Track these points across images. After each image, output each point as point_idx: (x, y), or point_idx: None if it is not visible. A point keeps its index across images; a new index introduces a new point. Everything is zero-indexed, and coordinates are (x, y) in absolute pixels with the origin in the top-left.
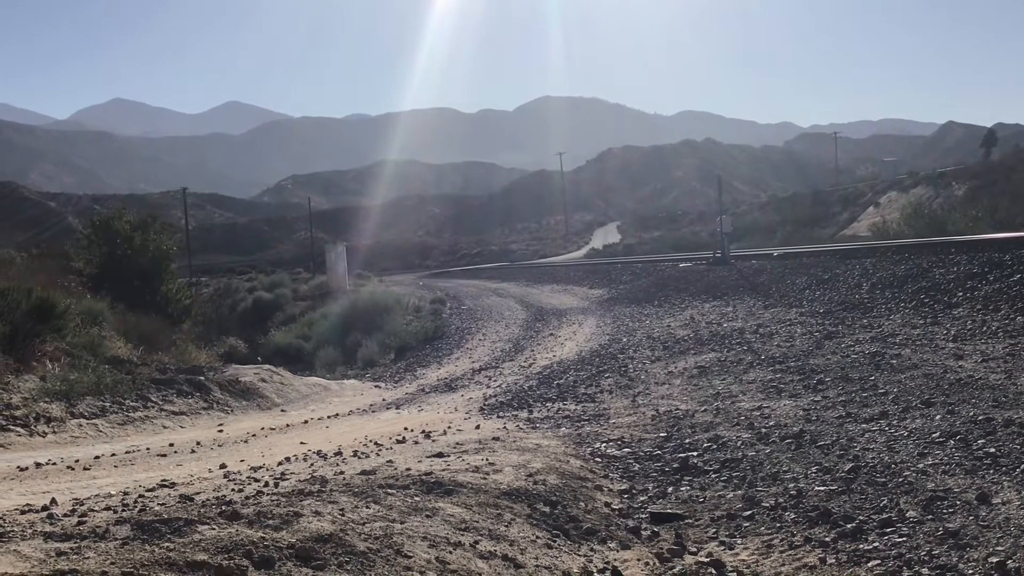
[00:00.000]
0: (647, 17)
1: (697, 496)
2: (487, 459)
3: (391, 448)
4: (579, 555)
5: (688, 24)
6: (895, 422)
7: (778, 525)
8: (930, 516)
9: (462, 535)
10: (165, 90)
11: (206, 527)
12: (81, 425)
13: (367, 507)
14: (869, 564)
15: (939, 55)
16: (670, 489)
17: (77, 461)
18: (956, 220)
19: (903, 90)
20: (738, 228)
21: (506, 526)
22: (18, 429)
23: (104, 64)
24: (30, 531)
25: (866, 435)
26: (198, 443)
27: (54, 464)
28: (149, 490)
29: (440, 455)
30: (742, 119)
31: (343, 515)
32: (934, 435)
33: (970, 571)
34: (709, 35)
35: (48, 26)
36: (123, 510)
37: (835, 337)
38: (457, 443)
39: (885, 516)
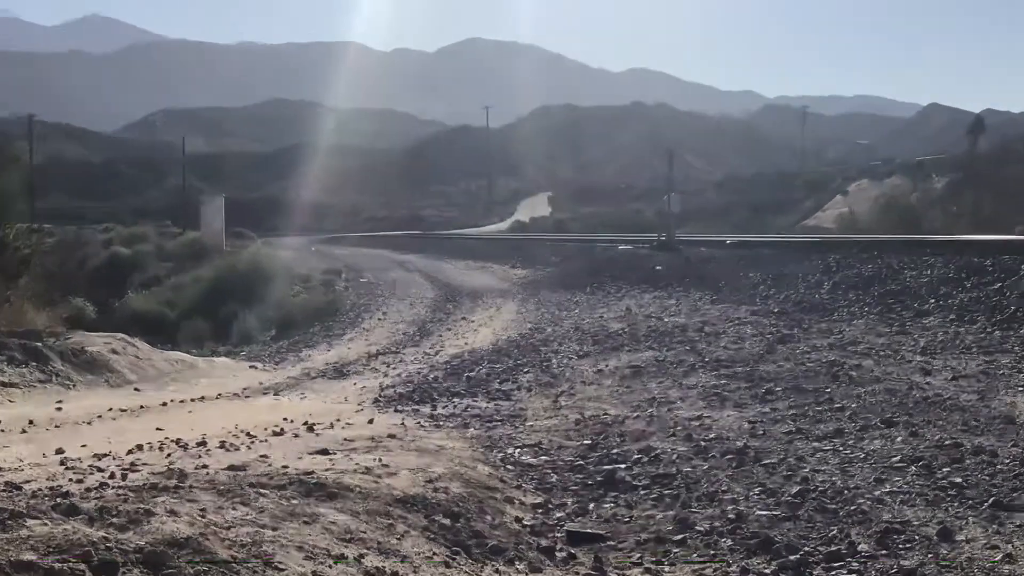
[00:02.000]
0: None
1: (623, 515)
2: (380, 460)
3: (266, 441)
4: None
5: None
6: (851, 442)
7: (712, 552)
8: (884, 551)
9: (346, 547)
10: None
11: (36, 522)
12: None
13: (234, 509)
14: None
15: (925, 29)
16: (592, 505)
17: None
18: (934, 217)
19: (883, 64)
20: (688, 209)
21: (398, 539)
22: None
23: None
24: None
25: (817, 455)
26: (31, 422)
27: None
28: None
29: (325, 452)
30: (700, 83)
31: (204, 516)
32: (894, 459)
33: None
34: None
35: None
36: None
37: (789, 341)
38: (345, 439)
39: (834, 548)
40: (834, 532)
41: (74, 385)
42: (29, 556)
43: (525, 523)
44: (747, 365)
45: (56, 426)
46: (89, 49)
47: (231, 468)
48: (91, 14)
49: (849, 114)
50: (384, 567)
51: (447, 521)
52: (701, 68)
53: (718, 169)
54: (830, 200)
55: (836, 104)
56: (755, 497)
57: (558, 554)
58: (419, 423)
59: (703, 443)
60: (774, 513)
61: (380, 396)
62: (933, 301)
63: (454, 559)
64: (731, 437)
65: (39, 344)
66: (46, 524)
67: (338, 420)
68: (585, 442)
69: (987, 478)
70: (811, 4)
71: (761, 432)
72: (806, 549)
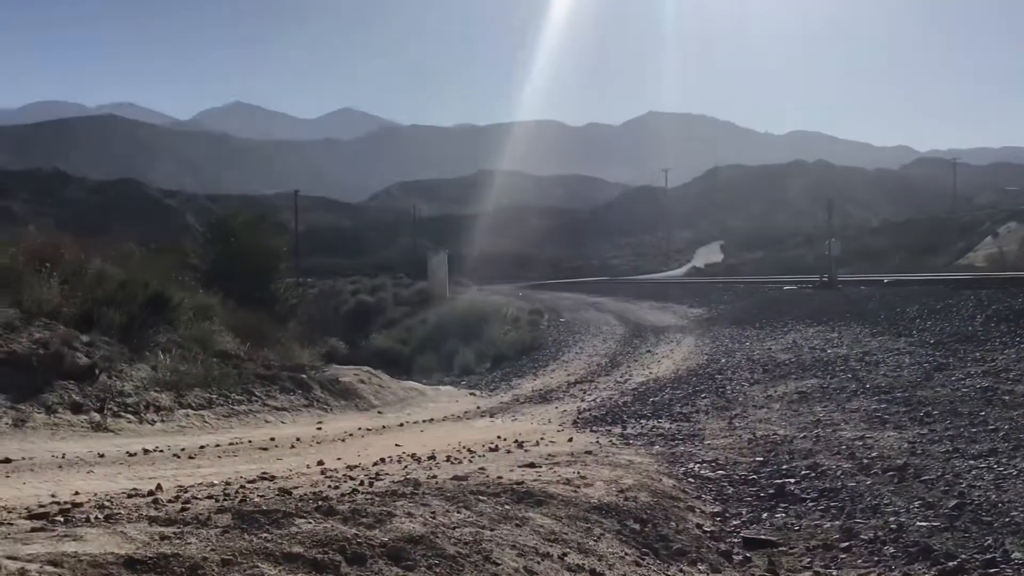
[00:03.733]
0: (760, 34)
1: (792, 524)
2: (579, 472)
3: (484, 455)
4: (668, 575)
5: (803, 41)
6: (1004, 460)
7: (876, 559)
8: None
9: (551, 546)
10: (282, 95)
11: (303, 521)
12: (188, 415)
13: (458, 512)
14: None
15: None
16: (764, 515)
17: (183, 450)
18: None
19: None
20: (847, 253)
21: (595, 540)
22: (129, 416)
23: (226, 67)
24: (136, 514)
25: (973, 472)
26: (298, 439)
27: (161, 451)
28: (250, 481)
29: (532, 465)
30: (856, 140)
31: (434, 518)
32: None
33: None
34: (825, 53)
35: (172, 28)
36: (224, 499)
37: (945, 369)
38: (549, 454)
39: (989, 556)
40: (989, 542)
41: (331, 409)
42: (297, 549)
43: (705, 529)
44: (906, 391)
45: (317, 443)
46: (340, 135)
47: (455, 478)
48: (343, 107)
49: (997, 163)
50: (583, 564)
51: (637, 526)
52: (857, 127)
53: (874, 216)
54: (980, 242)
55: (984, 155)
56: (915, 509)
57: (735, 557)
58: (611, 441)
59: (865, 460)
60: (933, 524)
61: (578, 418)
62: None
63: (643, 559)
64: (892, 455)
65: (304, 375)
66: (310, 523)
67: (543, 438)
68: (757, 459)
69: None
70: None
71: (920, 451)
72: (963, 557)
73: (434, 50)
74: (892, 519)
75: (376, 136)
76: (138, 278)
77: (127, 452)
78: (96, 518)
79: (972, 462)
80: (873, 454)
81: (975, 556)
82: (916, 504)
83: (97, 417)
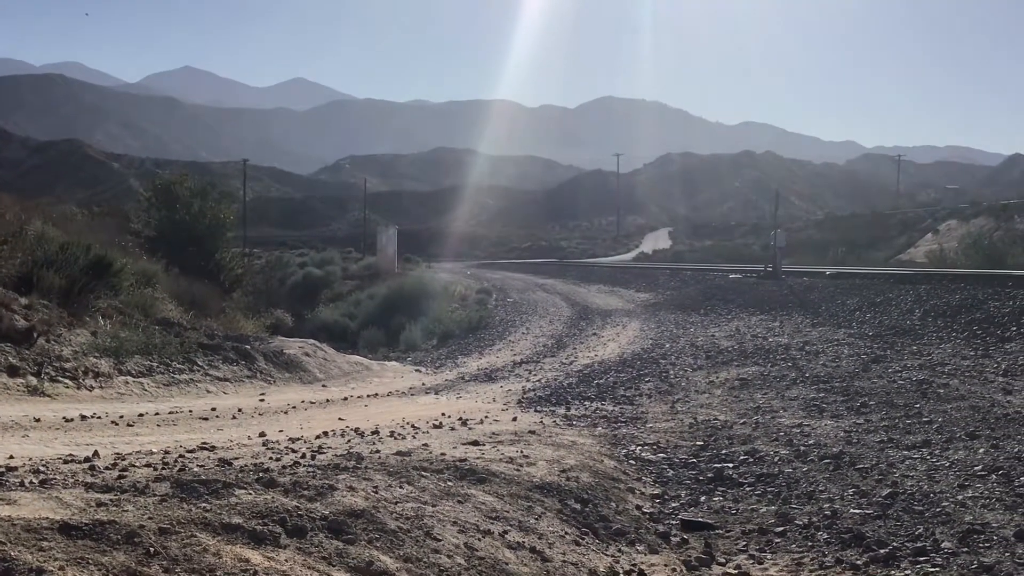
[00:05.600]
0: (717, 25)
1: (730, 508)
2: (522, 451)
3: (427, 432)
4: (607, 555)
5: (757, 36)
6: (937, 451)
7: (810, 544)
8: (965, 549)
9: (492, 523)
10: (234, 62)
11: (243, 491)
12: (128, 382)
13: (400, 487)
14: None
15: (1013, 85)
16: (703, 498)
17: (121, 417)
18: (1016, 254)
19: (971, 118)
20: (792, 244)
21: (536, 519)
22: (66, 381)
23: (177, 31)
24: (72, 480)
25: (906, 462)
26: (240, 410)
27: (99, 418)
28: (189, 451)
29: (475, 443)
30: (805, 134)
31: (376, 492)
32: (976, 468)
33: None
34: (777, 46)
35: None
36: (163, 468)
37: (882, 361)
38: (493, 433)
39: (920, 544)
40: (920, 530)
41: (274, 381)
42: (237, 519)
43: (645, 511)
44: (844, 381)
45: (260, 414)
46: (293, 106)
47: (399, 453)
48: (296, 78)
49: (940, 162)
50: (524, 542)
51: (577, 506)
52: (806, 121)
53: (819, 209)
54: (921, 238)
55: (929, 153)
56: (849, 497)
57: (673, 538)
58: (555, 421)
59: (802, 448)
60: (866, 512)
61: (523, 398)
62: (1015, 329)
63: (583, 538)
64: (828, 444)
65: (247, 346)
66: (251, 494)
67: (487, 417)
68: (697, 443)
69: None
70: (906, 63)
71: (856, 440)
72: (894, 544)
73: (391, 23)
74: (827, 505)
75: (329, 108)
76: (80, 241)
77: (64, 417)
78: (31, 482)
79: (906, 452)
80: (810, 442)
81: (906, 544)
82: (850, 492)
83: (34, 381)
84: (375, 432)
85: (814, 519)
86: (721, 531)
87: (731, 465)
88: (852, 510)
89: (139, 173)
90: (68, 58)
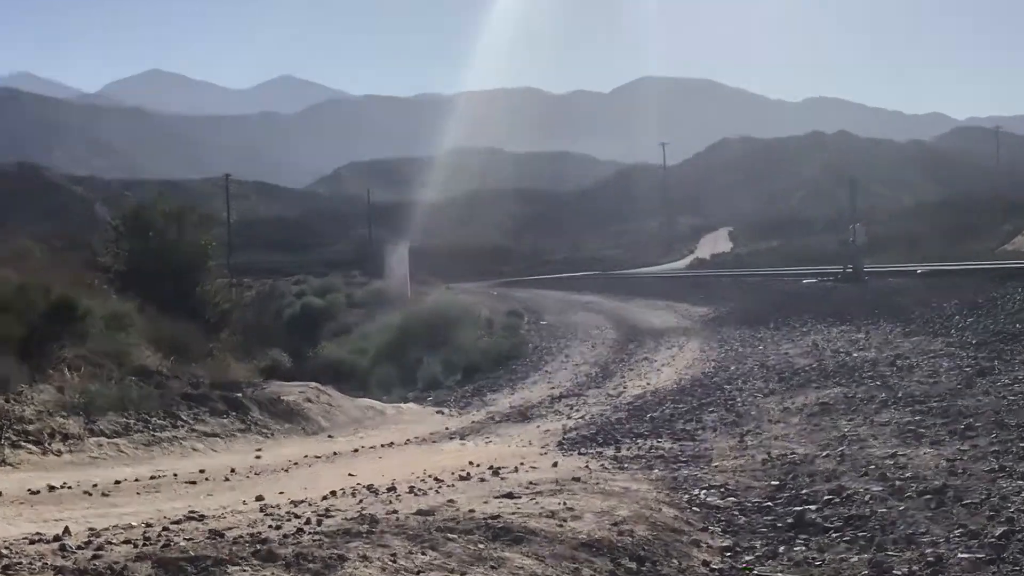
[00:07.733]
0: None
1: (814, 558)
2: (565, 503)
3: (453, 485)
4: None
5: None
6: None
7: None
8: None
9: None
10: (208, 61)
11: (237, 569)
12: (101, 444)
13: (423, 554)
14: None
15: None
16: (782, 548)
17: (95, 486)
18: None
19: None
20: (875, 239)
21: None
22: (30, 447)
23: (139, 32)
24: (39, 564)
25: (1023, 494)
26: (232, 470)
27: (69, 488)
28: (175, 522)
29: (510, 496)
30: (883, 108)
31: (395, 562)
32: None
33: None
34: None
35: None
36: (145, 544)
37: (989, 374)
38: (530, 483)
39: None
40: None
41: (272, 434)
42: None
43: (713, 567)
44: (944, 400)
45: (256, 473)
46: (280, 109)
47: (420, 513)
48: (282, 75)
49: None
50: None
51: (633, 565)
52: (884, 93)
53: (906, 196)
54: None
55: None
56: (956, 538)
57: None
58: (603, 465)
59: (898, 482)
60: (977, 556)
61: (564, 439)
62: None
63: None
64: (928, 476)
65: (239, 394)
66: (246, 570)
67: (522, 463)
68: (773, 483)
69: None
70: (1000, 16)
71: (961, 470)
72: None
73: (390, 4)
74: (930, 550)
75: (322, 109)
76: (38, 282)
77: (29, 489)
78: None
79: (1021, 482)
80: (907, 475)
81: None
82: (957, 532)
83: None
84: (391, 488)
85: (915, 568)
86: None
87: (814, 507)
88: (960, 554)
89: (106, 197)
90: (14, 69)
